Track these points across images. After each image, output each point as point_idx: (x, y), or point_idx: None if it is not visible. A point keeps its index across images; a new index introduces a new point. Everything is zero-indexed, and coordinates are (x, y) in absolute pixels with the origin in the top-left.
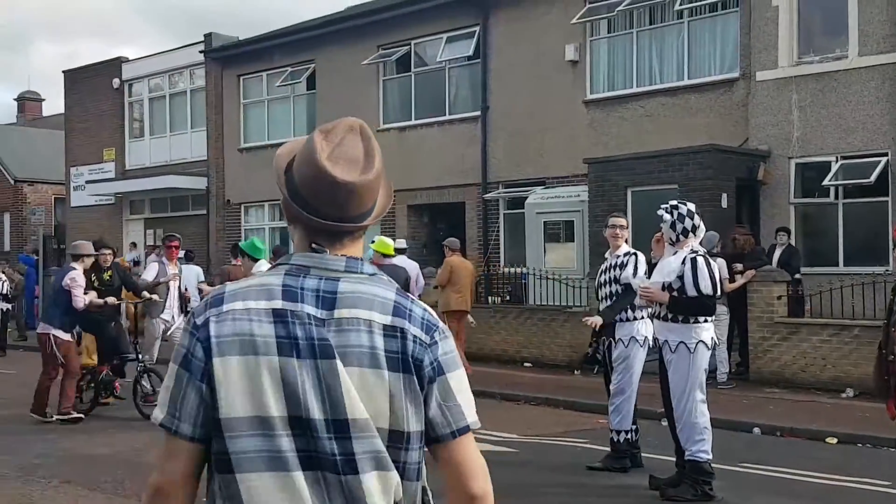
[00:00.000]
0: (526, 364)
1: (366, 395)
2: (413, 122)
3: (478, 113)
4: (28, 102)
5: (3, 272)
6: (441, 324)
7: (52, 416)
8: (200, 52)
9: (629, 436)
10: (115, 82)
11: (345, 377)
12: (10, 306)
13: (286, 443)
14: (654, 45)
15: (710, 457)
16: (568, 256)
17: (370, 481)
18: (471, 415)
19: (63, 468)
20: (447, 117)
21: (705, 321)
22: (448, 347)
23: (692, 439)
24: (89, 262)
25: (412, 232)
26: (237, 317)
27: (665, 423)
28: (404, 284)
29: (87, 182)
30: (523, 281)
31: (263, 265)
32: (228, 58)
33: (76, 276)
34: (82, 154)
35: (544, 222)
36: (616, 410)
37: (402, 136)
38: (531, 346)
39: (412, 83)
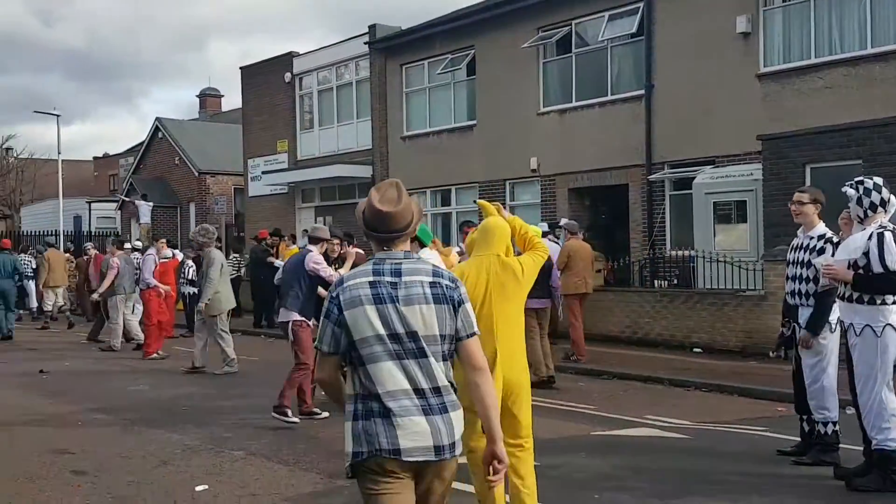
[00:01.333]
0: (695, 350)
1: (423, 318)
2: (574, 103)
3: (641, 92)
4: (209, 98)
5: (191, 259)
6: (457, 277)
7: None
8: (365, 43)
9: (836, 427)
10: (287, 76)
11: (411, 310)
12: (195, 290)
13: (389, 346)
14: (833, 12)
15: None
16: (740, 238)
17: (432, 361)
18: (476, 326)
19: (250, 442)
20: (609, 97)
21: (894, 302)
22: (463, 289)
23: (878, 427)
24: (325, 247)
25: (572, 216)
26: (351, 288)
27: (851, 412)
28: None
29: (263, 172)
30: (691, 264)
31: (426, 252)
32: (391, 48)
33: (319, 258)
34: (258, 146)
35: (714, 203)
36: (814, 399)
37: (562, 118)
38: (701, 331)
39: (573, 64)
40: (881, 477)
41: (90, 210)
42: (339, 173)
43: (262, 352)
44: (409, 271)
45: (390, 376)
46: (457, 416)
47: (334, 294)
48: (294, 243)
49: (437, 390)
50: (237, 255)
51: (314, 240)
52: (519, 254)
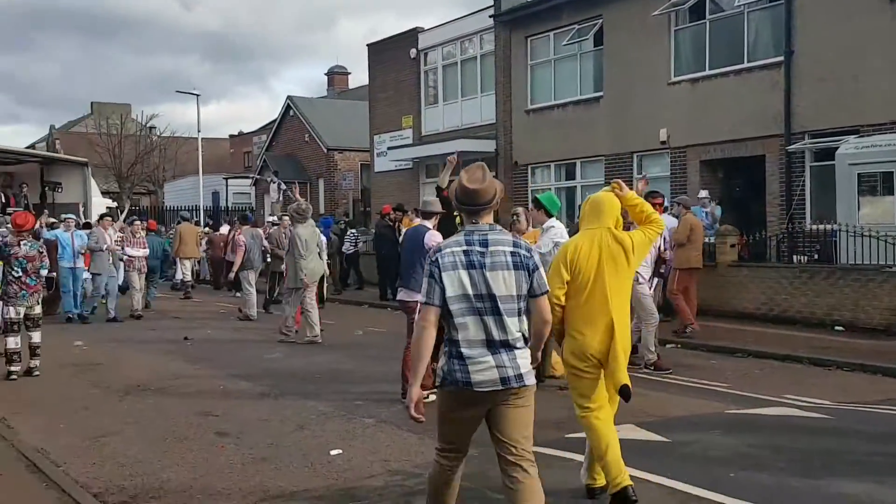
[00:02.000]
0: (837, 328)
1: (504, 282)
2: (707, 72)
3: (780, 58)
4: (336, 76)
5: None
6: (531, 246)
7: None
8: (490, 16)
9: None
10: (412, 52)
11: (494, 275)
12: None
13: (475, 303)
14: None
15: None
16: (887, 211)
17: (506, 318)
18: (546, 285)
19: (379, 410)
20: (745, 65)
21: None
22: (537, 257)
23: None
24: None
25: (704, 189)
26: (448, 255)
27: None
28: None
29: (389, 148)
30: (833, 238)
31: (555, 222)
32: (516, 20)
33: (437, 235)
34: (384, 122)
35: (858, 174)
36: None
37: (694, 87)
38: (843, 308)
39: (706, 31)
40: None
41: (227, 186)
42: (463, 148)
43: (389, 323)
44: (494, 242)
45: (471, 328)
46: (521, 354)
47: (434, 258)
48: (417, 217)
49: (505, 341)
50: (354, 231)
51: (427, 214)
52: (627, 228)
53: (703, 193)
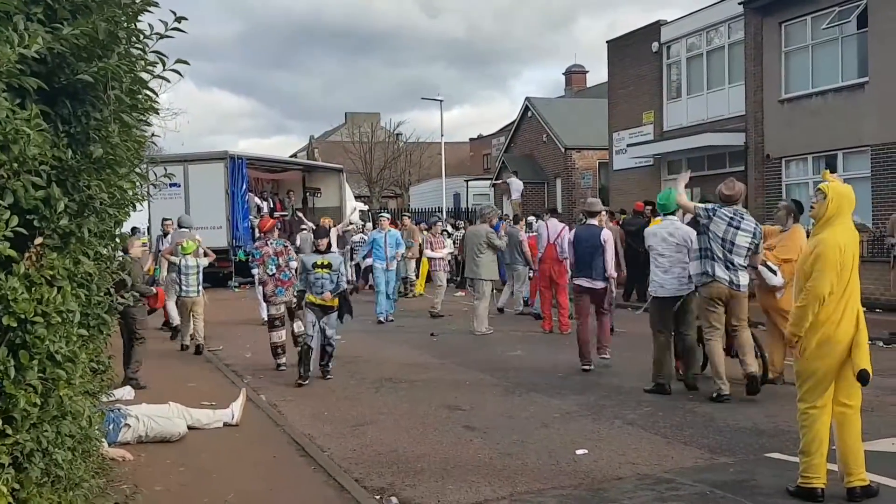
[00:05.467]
0: None
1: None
2: None
3: None
4: (574, 75)
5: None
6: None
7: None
8: (739, 3)
9: None
10: (654, 46)
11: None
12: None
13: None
14: None
15: None
16: None
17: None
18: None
19: (625, 411)
20: None
21: None
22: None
23: None
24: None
25: None
26: (720, 217)
27: None
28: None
29: (628, 146)
30: None
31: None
32: (768, 6)
33: (608, 233)
34: (623, 119)
35: None
36: None
37: None
38: None
39: None
40: None
41: (467, 188)
42: (709, 142)
43: (630, 324)
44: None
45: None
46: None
47: (712, 214)
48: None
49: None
50: None
51: (591, 214)
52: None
53: None
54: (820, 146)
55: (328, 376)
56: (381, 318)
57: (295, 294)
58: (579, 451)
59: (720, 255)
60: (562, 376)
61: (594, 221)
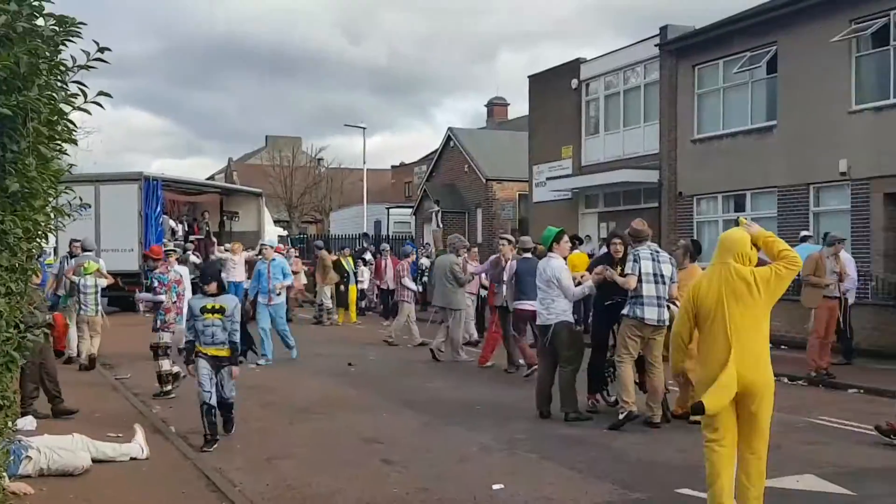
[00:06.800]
0: None
1: (667, 267)
2: (892, 100)
3: None
4: (496, 107)
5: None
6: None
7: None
8: (656, 45)
9: None
10: (574, 83)
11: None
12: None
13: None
14: None
15: None
16: None
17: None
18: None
19: (542, 445)
20: None
21: None
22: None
23: None
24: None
25: (888, 224)
26: (643, 258)
27: None
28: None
29: (548, 179)
30: None
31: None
32: (684, 48)
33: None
34: (543, 152)
35: None
36: None
37: (877, 116)
38: None
39: (891, 57)
40: None
41: (388, 215)
42: (625, 178)
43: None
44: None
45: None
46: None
47: (637, 257)
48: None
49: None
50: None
51: (526, 249)
52: (762, 264)
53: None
54: (730, 185)
55: (231, 431)
56: (260, 362)
57: (184, 345)
58: (496, 486)
59: (652, 293)
60: (480, 409)
61: (528, 255)
